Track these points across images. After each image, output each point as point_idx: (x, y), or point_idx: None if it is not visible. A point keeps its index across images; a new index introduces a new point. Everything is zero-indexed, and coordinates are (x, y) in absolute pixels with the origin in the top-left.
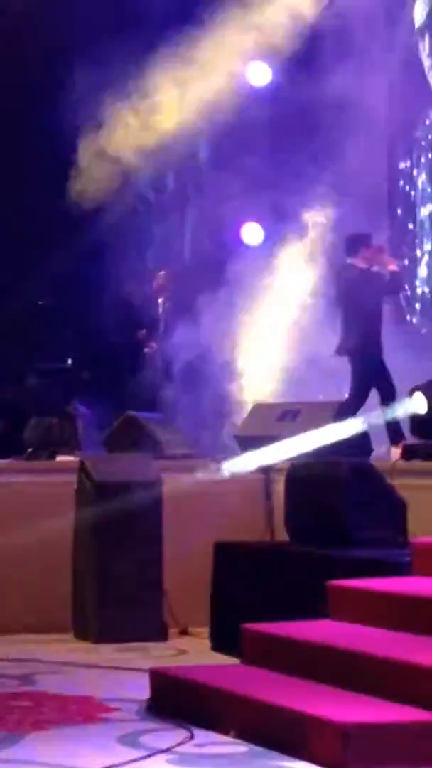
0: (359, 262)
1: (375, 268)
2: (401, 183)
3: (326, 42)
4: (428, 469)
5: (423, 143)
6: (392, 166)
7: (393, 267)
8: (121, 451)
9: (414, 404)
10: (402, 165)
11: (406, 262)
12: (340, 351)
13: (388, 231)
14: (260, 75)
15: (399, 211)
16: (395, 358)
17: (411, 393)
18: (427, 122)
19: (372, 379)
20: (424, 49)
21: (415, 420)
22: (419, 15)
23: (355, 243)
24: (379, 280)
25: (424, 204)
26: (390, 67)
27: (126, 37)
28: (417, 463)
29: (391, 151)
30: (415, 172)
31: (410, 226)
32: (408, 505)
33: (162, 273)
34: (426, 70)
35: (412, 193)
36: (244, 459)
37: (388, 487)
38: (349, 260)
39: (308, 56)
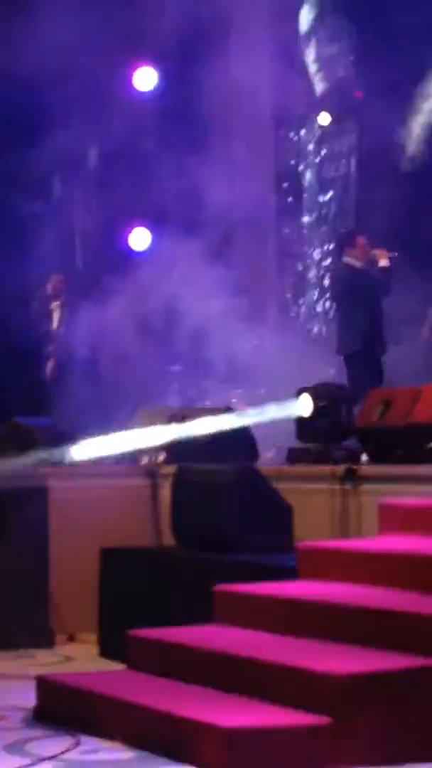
0: (353, 261)
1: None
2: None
3: (212, 46)
4: (314, 474)
5: (310, 147)
6: (279, 166)
7: (384, 262)
8: (7, 458)
9: (300, 406)
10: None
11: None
12: (341, 351)
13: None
14: (146, 79)
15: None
16: (284, 360)
17: (298, 394)
18: (315, 126)
19: (373, 380)
20: (309, 54)
21: (301, 424)
22: (305, 20)
23: (340, 242)
24: (374, 278)
25: (309, 212)
26: (276, 69)
27: None
28: (302, 468)
29: (278, 153)
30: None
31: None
32: (293, 510)
33: (54, 277)
34: (311, 75)
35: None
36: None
37: (273, 492)
38: (344, 260)
39: (195, 59)
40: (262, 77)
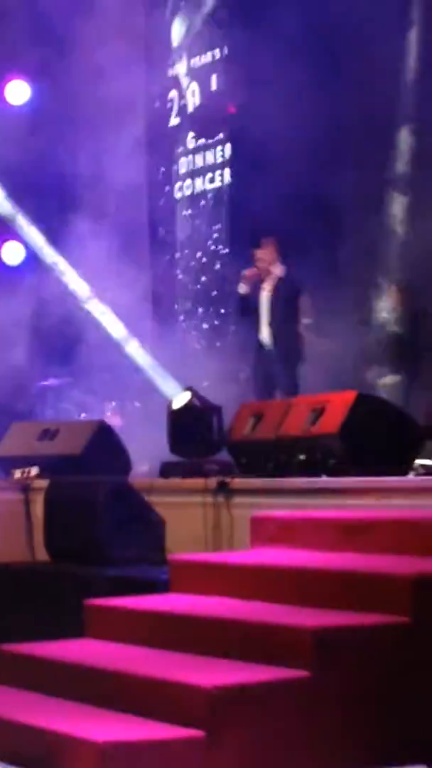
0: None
1: None
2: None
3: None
4: (186, 487)
5: (182, 160)
6: (152, 188)
7: (240, 290)
8: None
9: (180, 397)
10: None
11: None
12: None
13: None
14: (18, 93)
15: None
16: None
17: (187, 389)
18: (190, 136)
19: None
20: (182, 68)
21: (173, 438)
22: (177, 34)
23: None
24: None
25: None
26: (149, 82)
27: None
28: (175, 481)
29: (150, 173)
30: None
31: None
32: (166, 523)
33: None
34: (183, 88)
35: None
36: None
37: (146, 505)
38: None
39: (67, 72)
40: (136, 90)
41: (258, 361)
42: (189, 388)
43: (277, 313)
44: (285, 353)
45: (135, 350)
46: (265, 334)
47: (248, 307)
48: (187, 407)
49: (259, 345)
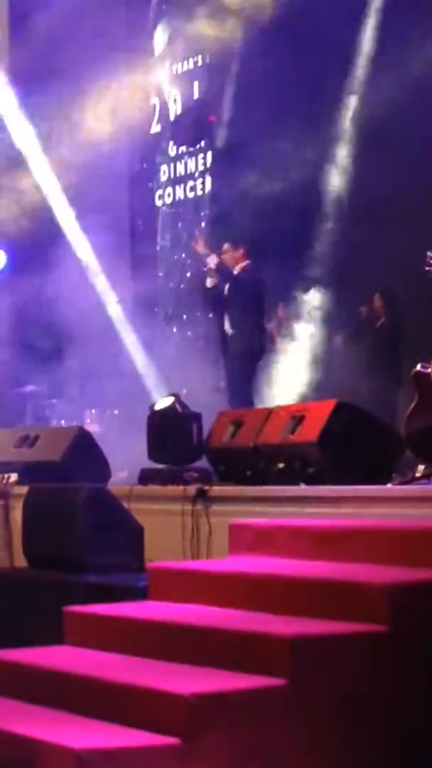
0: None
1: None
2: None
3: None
4: (165, 494)
5: (163, 168)
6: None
7: (208, 284)
8: None
9: (163, 401)
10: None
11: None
12: None
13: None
14: None
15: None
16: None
17: (171, 395)
18: (169, 145)
19: None
20: (164, 75)
21: (152, 445)
22: (159, 41)
23: None
24: None
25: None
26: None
27: None
28: (154, 488)
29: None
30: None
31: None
32: (145, 530)
33: None
34: (165, 96)
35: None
36: None
37: (124, 512)
38: None
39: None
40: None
41: (224, 352)
42: (173, 394)
43: (238, 308)
44: (246, 348)
45: (117, 357)
46: (227, 326)
47: (215, 300)
48: (169, 410)
49: (224, 337)
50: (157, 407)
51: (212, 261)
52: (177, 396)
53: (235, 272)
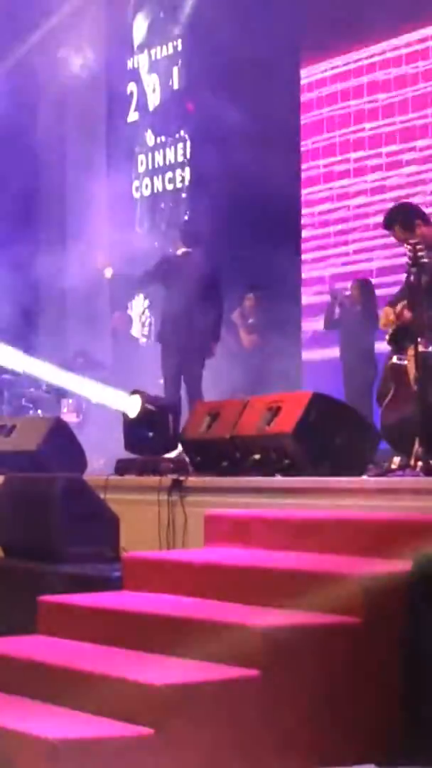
0: None
1: None
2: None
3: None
4: (141, 485)
5: (141, 159)
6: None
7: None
8: None
9: (129, 405)
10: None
11: None
12: None
13: None
14: None
15: None
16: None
17: (132, 393)
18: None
19: None
20: (143, 65)
21: (129, 432)
22: (139, 32)
23: None
24: None
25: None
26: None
27: None
28: (130, 478)
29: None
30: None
31: None
32: (120, 520)
33: None
34: (145, 87)
35: None
36: None
37: (100, 502)
38: None
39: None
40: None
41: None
42: (136, 392)
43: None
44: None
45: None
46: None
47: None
48: (143, 413)
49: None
50: (131, 415)
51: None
52: (142, 394)
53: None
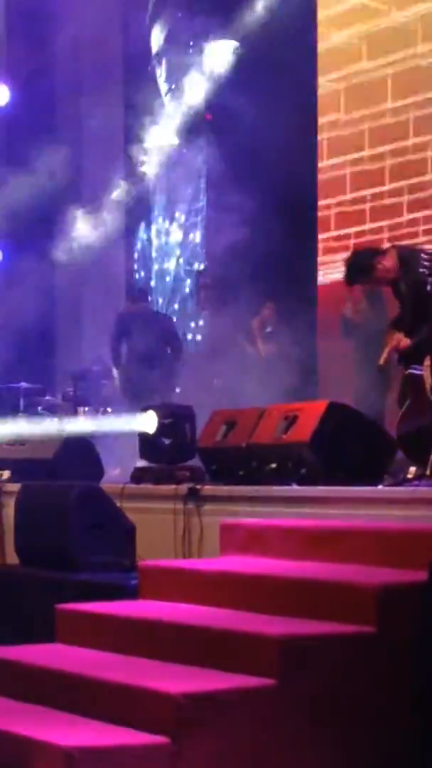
0: None
1: None
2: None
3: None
4: (157, 493)
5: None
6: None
7: None
8: None
9: (144, 422)
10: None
11: None
12: None
13: None
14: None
15: None
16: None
17: (144, 410)
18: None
19: None
20: (160, 74)
21: (145, 442)
22: (156, 41)
23: None
24: None
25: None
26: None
27: None
28: (146, 486)
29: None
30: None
31: None
32: (137, 529)
33: None
34: (162, 94)
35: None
36: None
37: (117, 511)
38: None
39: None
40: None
41: None
42: (148, 407)
43: None
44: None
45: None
46: None
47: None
48: (160, 428)
49: None
50: (149, 432)
51: None
52: (155, 409)
53: None
